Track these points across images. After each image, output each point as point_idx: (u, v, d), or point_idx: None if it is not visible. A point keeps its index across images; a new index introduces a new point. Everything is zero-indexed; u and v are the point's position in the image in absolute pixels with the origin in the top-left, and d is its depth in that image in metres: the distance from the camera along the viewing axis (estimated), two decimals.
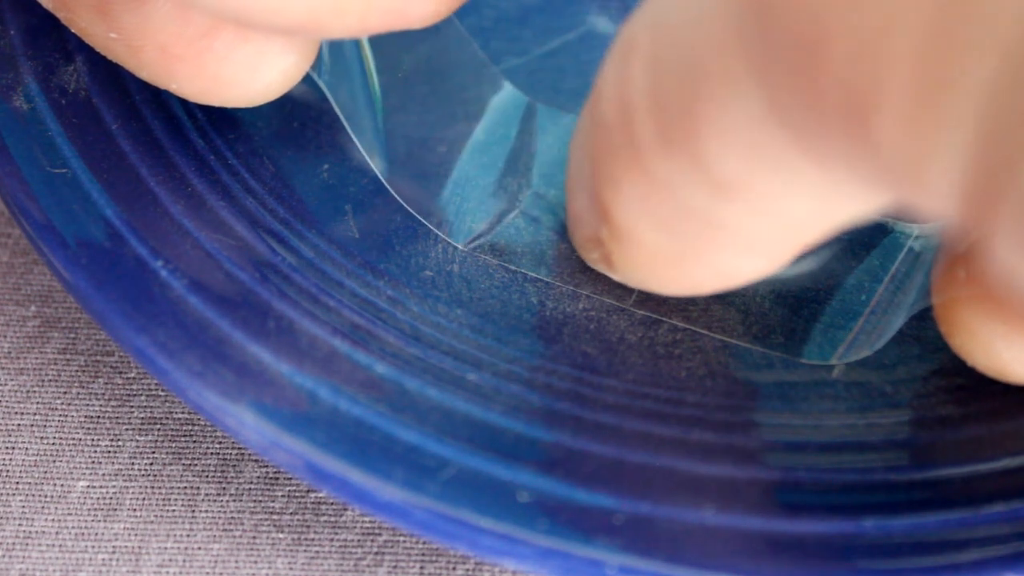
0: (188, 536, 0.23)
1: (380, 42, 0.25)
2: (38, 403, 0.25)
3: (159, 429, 0.24)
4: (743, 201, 0.18)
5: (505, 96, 0.25)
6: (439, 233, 0.24)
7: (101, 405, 0.25)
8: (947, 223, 0.16)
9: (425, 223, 0.24)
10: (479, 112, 0.25)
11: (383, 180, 0.24)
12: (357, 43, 0.24)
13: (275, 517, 0.23)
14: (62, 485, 0.24)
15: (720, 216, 0.18)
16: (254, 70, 0.22)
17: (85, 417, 0.24)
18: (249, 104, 0.23)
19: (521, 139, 0.25)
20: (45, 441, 0.24)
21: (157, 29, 0.22)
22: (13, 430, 0.24)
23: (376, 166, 0.24)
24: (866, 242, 0.24)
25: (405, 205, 0.24)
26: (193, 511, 0.23)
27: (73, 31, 0.23)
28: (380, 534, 0.23)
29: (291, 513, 0.23)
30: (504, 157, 0.25)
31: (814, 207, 0.18)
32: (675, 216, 0.19)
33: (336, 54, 0.24)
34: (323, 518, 0.23)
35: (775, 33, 0.16)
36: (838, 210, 0.18)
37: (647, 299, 0.24)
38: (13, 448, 0.24)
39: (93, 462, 0.24)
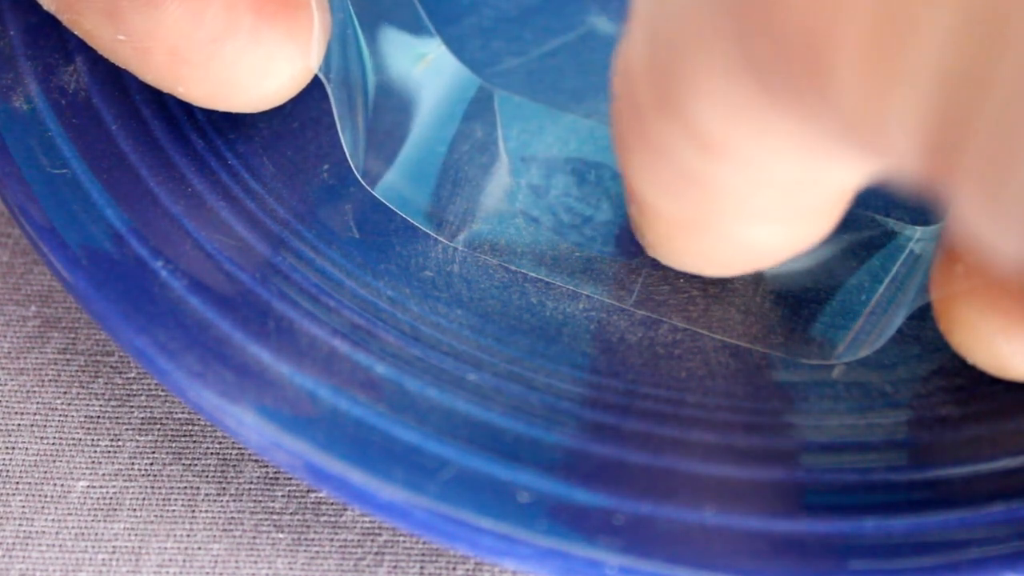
0: (188, 536, 0.23)
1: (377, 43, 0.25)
2: (38, 403, 0.25)
3: (159, 429, 0.24)
4: (732, 161, 0.18)
5: (453, 73, 0.25)
6: (437, 237, 0.24)
7: (101, 405, 0.25)
8: (918, 186, 0.16)
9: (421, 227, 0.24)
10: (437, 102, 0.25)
11: (364, 183, 0.24)
12: (359, 45, 0.24)
13: (275, 517, 0.23)
14: (62, 485, 0.24)
15: (715, 178, 0.19)
16: (262, 76, 0.22)
17: (85, 417, 0.24)
18: (253, 109, 0.23)
19: (482, 126, 0.25)
20: (45, 441, 0.24)
21: (168, 32, 0.22)
22: (13, 430, 0.24)
23: (357, 168, 0.24)
24: (868, 243, 0.24)
25: (397, 211, 0.24)
26: (193, 511, 0.23)
27: (76, 33, 0.23)
28: (380, 534, 0.23)
29: (291, 513, 0.23)
30: (473, 145, 0.25)
31: (799, 168, 0.18)
32: (677, 181, 0.19)
33: (340, 56, 0.24)
34: (323, 518, 0.23)
35: None
36: (825, 172, 0.18)
37: (647, 299, 0.24)
38: (13, 448, 0.24)
39: (93, 462, 0.24)
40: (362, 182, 0.24)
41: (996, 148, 0.14)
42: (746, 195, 0.19)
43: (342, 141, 0.23)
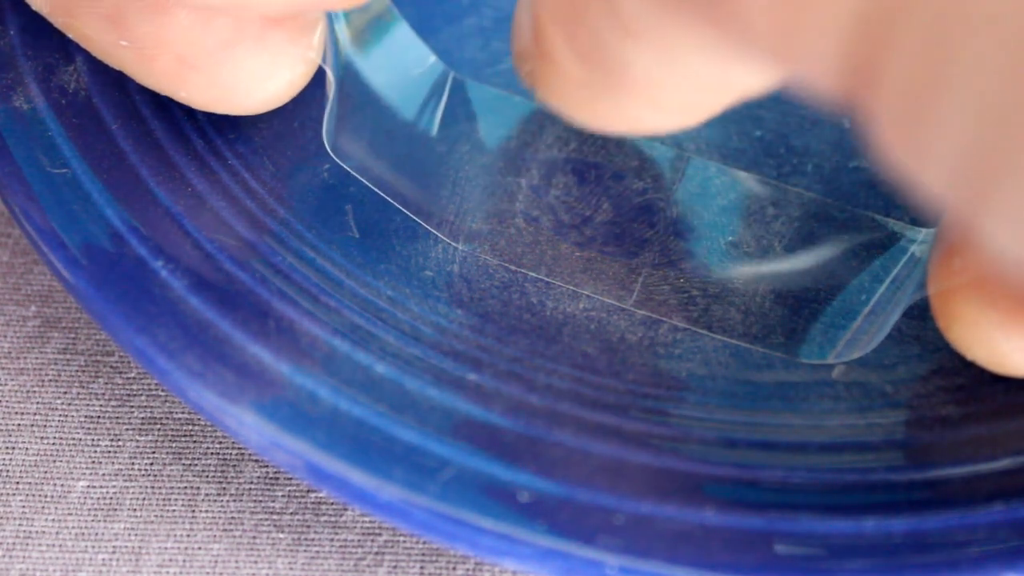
0: (188, 536, 0.23)
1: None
2: (38, 403, 0.25)
3: (159, 429, 0.24)
4: (647, 45, 0.18)
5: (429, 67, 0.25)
6: (438, 234, 0.24)
7: (101, 405, 0.25)
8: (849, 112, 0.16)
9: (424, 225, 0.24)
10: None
11: (361, 178, 0.24)
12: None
13: (275, 517, 0.23)
14: (62, 485, 0.24)
15: (628, 57, 0.19)
16: (266, 80, 0.22)
17: (85, 417, 0.24)
18: (253, 112, 0.23)
19: (456, 118, 0.25)
20: (45, 441, 0.24)
21: (175, 39, 0.22)
22: (13, 430, 0.24)
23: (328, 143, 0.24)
24: (870, 245, 0.24)
25: (403, 209, 0.24)
26: (193, 511, 0.23)
27: (70, 36, 0.22)
28: (380, 534, 0.23)
29: (291, 513, 0.23)
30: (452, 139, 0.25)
31: (711, 65, 0.18)
32: (592, 49, 0.19)
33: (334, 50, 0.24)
34: (323, 518, 0.23)
35: None
36: (736, 71, 0.18)
37: (647, 299, 0.24)
38: (13, 448, 0.24)
39: (93, 462, 0.24)
40: (332, 156, 0.24)
41: (916, 73, 0.13)
42: (654, 85, 0.19)
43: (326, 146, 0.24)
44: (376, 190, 0.24)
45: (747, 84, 0.19)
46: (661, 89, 0.19)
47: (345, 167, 0.24)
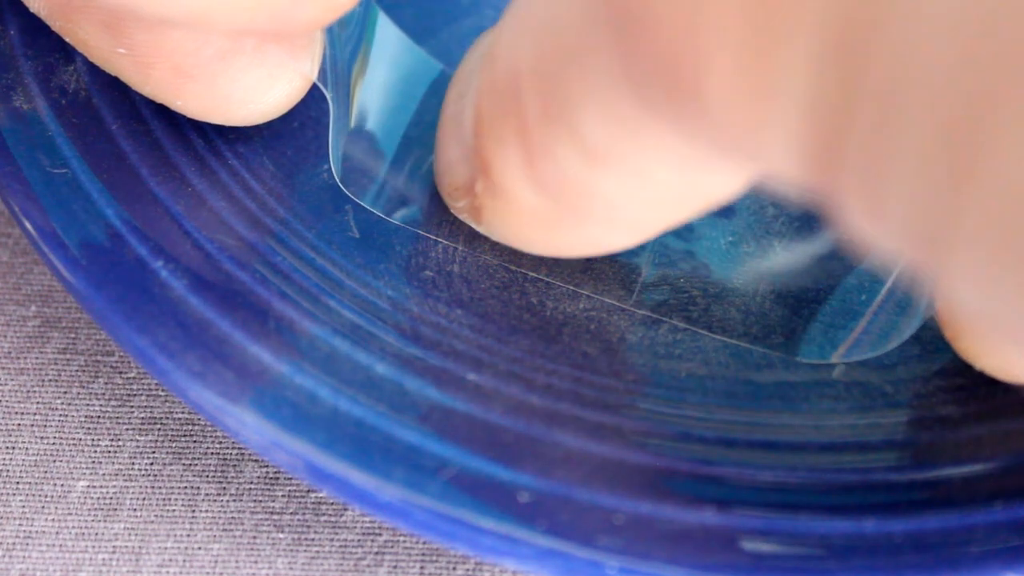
0: (188, 536, 0.23)
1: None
2: (38, 403, 0.25)
3: (159, 429, 0.24)
4: (614, 170, 0.18)
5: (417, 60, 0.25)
6: (437, 237, 0.24)
7: (101, 405, 0.25)
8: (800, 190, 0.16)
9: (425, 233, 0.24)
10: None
11: (342, 187, 0.24)
12: (355, 55, 0.24)
13: (275, 517, 0.23)
14: (62, 485, 0.24)
15: (594, 185, 0.19)
16: (262, 93, 0.22)
17: (85, 417, 0.24)
18: (248, 123, 0.23)
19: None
20: (45, 441, 0.24)
21: (172, 48, 0.22)
22: (13, 430, 0.24)
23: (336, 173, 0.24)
24: None
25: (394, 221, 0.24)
26: (193, 511, 0.23)
27: (67, 40, 0.22)
28: (380, 534, 0.23)
29: (291, 513, 0.23)
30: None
31: (679, 176, 0.18)
32: (554, 182, 0.19)
33: (334, 67, 0.24)
34: (323, 518, 0.23)
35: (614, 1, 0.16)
36: (704, 182, 0.19)
37: (647, 299, 0.24)
38: (13, 448, 0.24)
39: (93, 462, 0.24)
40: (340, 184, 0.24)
41: (873, 153, 0.14)
42: (621, 204, 0.19)
43: (330, 153, 0.24)
44: (384, 216, 0.24)
45: (711, 193, 0.19)
46: (624, 209, 0.19)
47: (362, 203, 0.24)
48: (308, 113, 0.25)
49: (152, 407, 0.25)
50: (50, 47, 0.24)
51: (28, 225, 0.22)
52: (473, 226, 0.22)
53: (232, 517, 0.23)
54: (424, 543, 0.23)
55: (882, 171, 0.14)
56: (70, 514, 0.23)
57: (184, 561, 0.23)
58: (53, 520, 0.23)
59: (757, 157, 0.16)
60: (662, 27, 0.15)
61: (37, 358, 0.25)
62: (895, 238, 0.15)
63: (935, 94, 0.13)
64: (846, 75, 0.14)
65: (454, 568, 0.23)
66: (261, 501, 0.24)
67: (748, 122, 0.15)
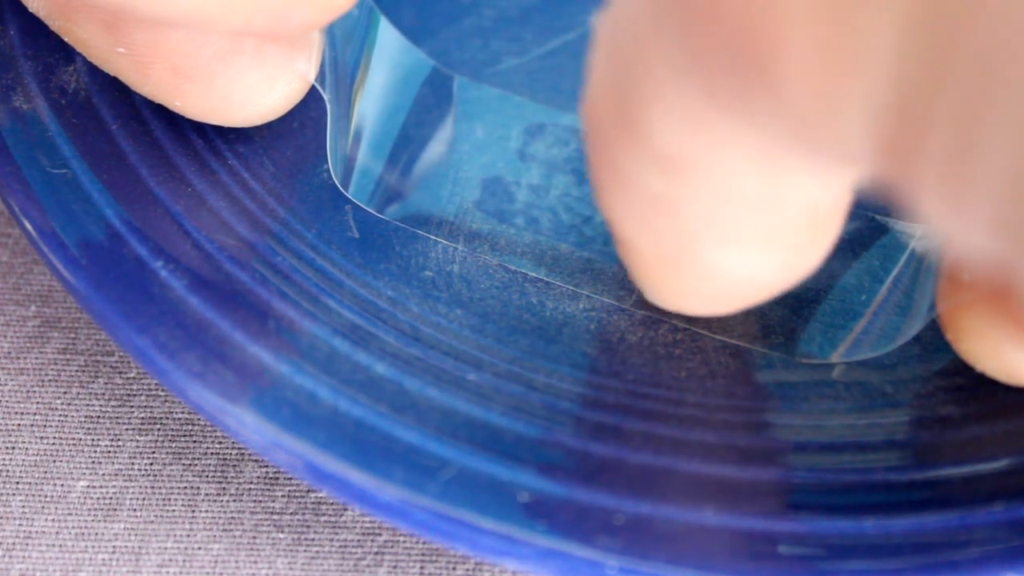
0: (188, 536, 0.23)
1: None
2: (38, 403, 0.25)
3: (159, 429, 0.24)
4: (693, 179, 0.18)
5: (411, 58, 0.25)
6: (437, 237, 0.24)
7: (101, 405, 0.25)
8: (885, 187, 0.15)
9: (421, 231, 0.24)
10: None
11: (345, 192, 0.24)
12: (358, 61, 0.24)
13: (275, 517, 0.23)
14: (62, 485, 0.24)
15: (680, 200, 0.18)
16: (261, 94, 0.22)
17: (85, 417, 0.24)
18: (248, 124, 0.23)
19: (436, 105, 0.25)
20: (45, 441, 0.24)
21: (172, 49, 0.22)
22: (13, 430, 0.24)
23: (337, 178, 0.24)
24: (863, 241, 0.24)
25: (397, 221, 0.24)
26: (193, 511, 0.23)
27: (67, 40, 0.22)
28: (380, 534, 0.23)
29: (291, 513, 0.23)
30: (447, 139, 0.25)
31: (760, 180, 0.18)
32: (646, 210, 0.19)
33: (334, 70, 0.24)
34: (323, 518, 0.23)
35: None
36: (788, 183, 0.18)
37: (647, 299, 0.24)
38: (13, 448, 0.24)
39: (93, 462, 0.24)
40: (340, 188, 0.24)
41: (955, 145, 0.13)
42: (714, 215, 0.18)
43: (328, 155, 0.24)
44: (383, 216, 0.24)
45: (801, 196, 0.18)
46: (728, 225, 0.18)
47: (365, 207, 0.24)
48: (308, 113, 0.25)
49: (152, 407, 0.25)
50: (50, 47, 0.24)
51: (28, 225, 0.22)
52: (650, 301, 0.22)
53: (232, 517, 0.23)
54: (424, 543, 0.23)
55: (971, 159, 0.13)
56: (70, 514, 0.23)
57: (184, 561, 0.23)
58: (53, 520, 0.23)
59: (831, 148, 0.15)
60: (732, 4, 0.14)
61: (37, 358, 0.25)
62: (981, 231, 0.14)
63: None
64: (934, 51, 0.13)
65: (454, 568, 0.23)
66: (261, 501, 0.24)
67: (825, 105, 0.14)
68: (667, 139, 0.17)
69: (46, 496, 0.24)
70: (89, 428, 0.24)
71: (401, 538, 0.23)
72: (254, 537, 0.23)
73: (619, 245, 0.21)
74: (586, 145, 0.19)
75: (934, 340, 0.23)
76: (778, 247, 0.19)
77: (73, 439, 0.24)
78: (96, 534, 0.23)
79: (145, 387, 0.25)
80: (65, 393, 0.25)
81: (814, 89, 0.14)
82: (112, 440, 0.24)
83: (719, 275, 0.20)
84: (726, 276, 0.20)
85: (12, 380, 0.25)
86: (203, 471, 0.24)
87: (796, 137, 0.16)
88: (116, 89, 0.24)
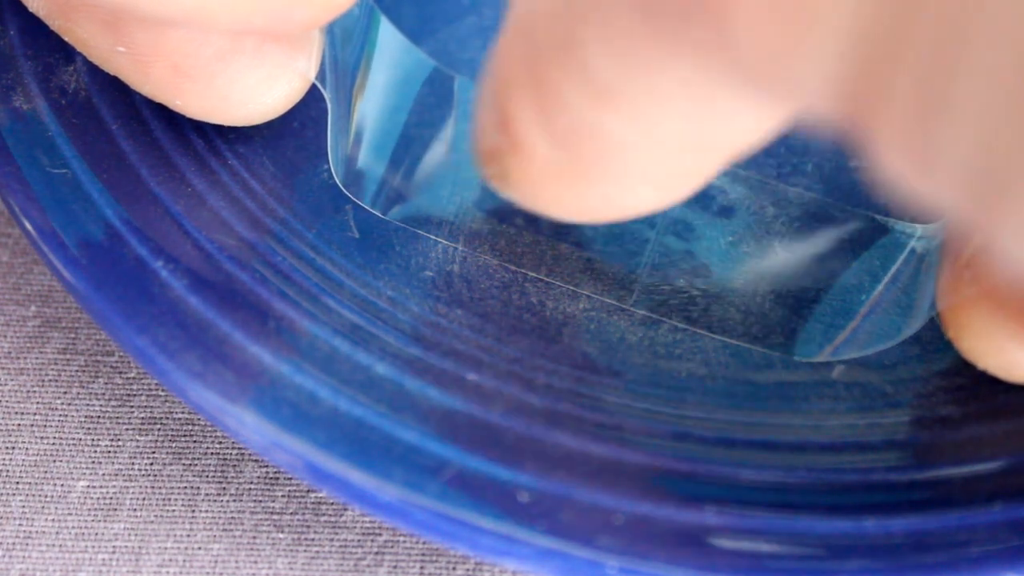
0: (188, 536, 0.23)
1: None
2: (38, 403, 0.25)
3: (159, 429, 0.24)
4: (625, 114, 0.17)
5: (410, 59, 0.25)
6: (437, 238, 0.24)
7: (101, 405, 0.25)
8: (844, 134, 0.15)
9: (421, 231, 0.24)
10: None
11: (344, 190, 0.24)
12: (358, 60, 0.24)
13: (275, 517, 0.23)
14: (62, 485, 0.24)
15: (606, 132, 0.18)
16: (261, 93, 0.22)
17: (85, 417, 0.24)
18: (248, 123, 0.23)
19: (436, 105, 0.25)
20: (45, 441, 0.24)
21: (172, 48, 0.22)
22: (13, 430, 0.24)
23: (338, 178, 0.24)
24: (863, 241, 0.24)
25: (398, 221, 0.24)
26: (193, 511, 0.23)
27: (66, 39, 0.22)
28: (380, 534, 0.23)
29: (291, 513, 0.23)
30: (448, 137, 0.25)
31: (695, 121, 0.17)
32: (568, 129, 0.18)
33: (334, 69, 0.24)
34: (323, 518, 0.23)
35: None
36: (719, 129, 0.17)
37: (647, 299, 0.24)
38: (13, 448, 0.24)
39: (93, 462, 0.24)
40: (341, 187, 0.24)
41: (922, 101, 0.13)
42: (636, 154, 0.18)
43: (328, 154, 0.24)
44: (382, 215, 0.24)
45: (730, 140, 0.18)
46: (643, 158, 0.18)
47: (365, 206, 0.24)
48: (308, 113, 0.25)
49: (152, 407, 0.25)
50: (50, 47, 0.24)
51: (28, 225, 0.22)
52: (503, 194, 0.21)
53: (232, 517, 0.23)
54: (424, 543, 0.23)
55: (938, 115, 0.13)
56: (70, 514, 0.23)
57: (184, 561, 0.23)
58: (53, 520, 0.23)
59: (786, 90, 0.15)
60: None
61: (37, 358, 0.25)
62: (944, 185, 0.13)
63: (1018, 16, 0.12)
64: (899, 1, 0.13)
65: (454, 568, 0.23)
66: (261, 501, 0.24)
67: (779, 47, 0.14)
68: (605, 70, 0.17)
69: (46, 496, 0.24)
70: (89, 428, 0.24)
71: (401, 538, 0.23)
72: (254, 537, 0.23)
73: (507, 141, 0.20)
74: (507, 42, 0.19)
75: (934, 340, 0.23)
76: (672, 187, 0.19)
77: (73, 439, 0.24)
78: (96, 534, 0.23)
79: (145, 387, 0.25)
80: (65, 393, 0.25)
81: (767, 30, 0.14)
82: (112, 440, 0.24)
83: (611, 202, 0.19)
84: (616, 203, 0.20)
85: (12, 380, 0.25)
86: (203, 471, 0.24)
87: (744, 79, 0.15)
88: (116, 89, 0.24)
